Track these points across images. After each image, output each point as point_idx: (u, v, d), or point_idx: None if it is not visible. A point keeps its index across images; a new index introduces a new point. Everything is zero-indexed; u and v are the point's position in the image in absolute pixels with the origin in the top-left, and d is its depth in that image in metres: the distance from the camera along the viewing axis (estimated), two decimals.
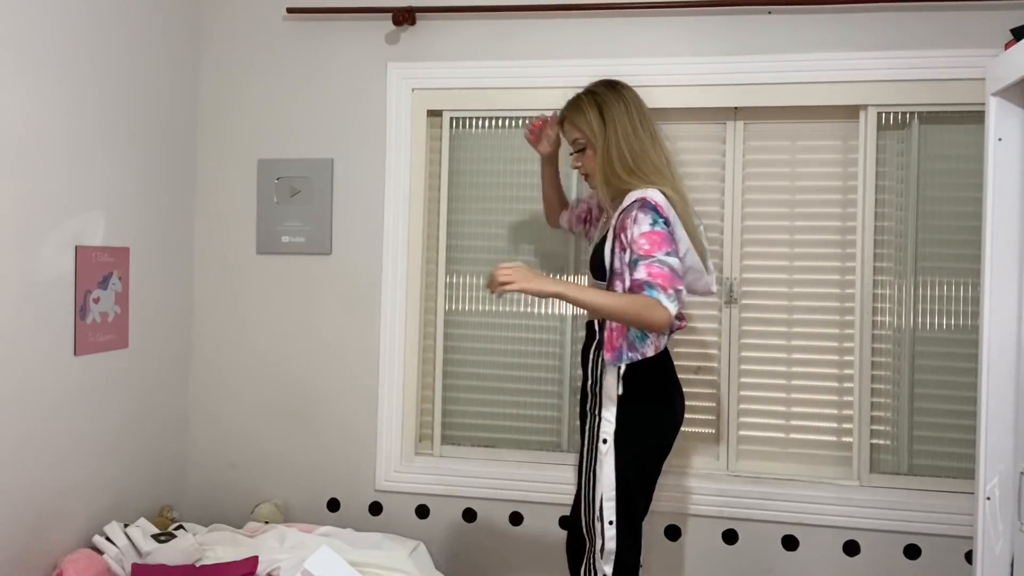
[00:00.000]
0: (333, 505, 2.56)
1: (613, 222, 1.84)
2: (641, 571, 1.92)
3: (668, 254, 1.72)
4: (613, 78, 1.99)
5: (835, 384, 2.37)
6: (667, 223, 1.76)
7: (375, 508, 2.54)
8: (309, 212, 2.55)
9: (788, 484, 2.34)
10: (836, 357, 2.36)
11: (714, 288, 1.98)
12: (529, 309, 2.52)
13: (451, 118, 2.52)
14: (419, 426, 2.57)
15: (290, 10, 2.52)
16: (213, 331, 2.61)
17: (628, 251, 1.75)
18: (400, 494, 2.52)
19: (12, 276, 1.86)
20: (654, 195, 1.77)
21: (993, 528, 1.76)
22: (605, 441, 1.82)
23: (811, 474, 2.36)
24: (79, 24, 2.05)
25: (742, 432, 2.41)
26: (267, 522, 2.41)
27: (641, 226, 1.73)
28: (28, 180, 1.90)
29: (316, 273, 2.56)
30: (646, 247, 1.71)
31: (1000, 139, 1.77)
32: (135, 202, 2.31)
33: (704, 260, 1.92)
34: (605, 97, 1.91)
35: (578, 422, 2.13)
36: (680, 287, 1.72)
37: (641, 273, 1.70)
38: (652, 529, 2.38)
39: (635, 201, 1.77)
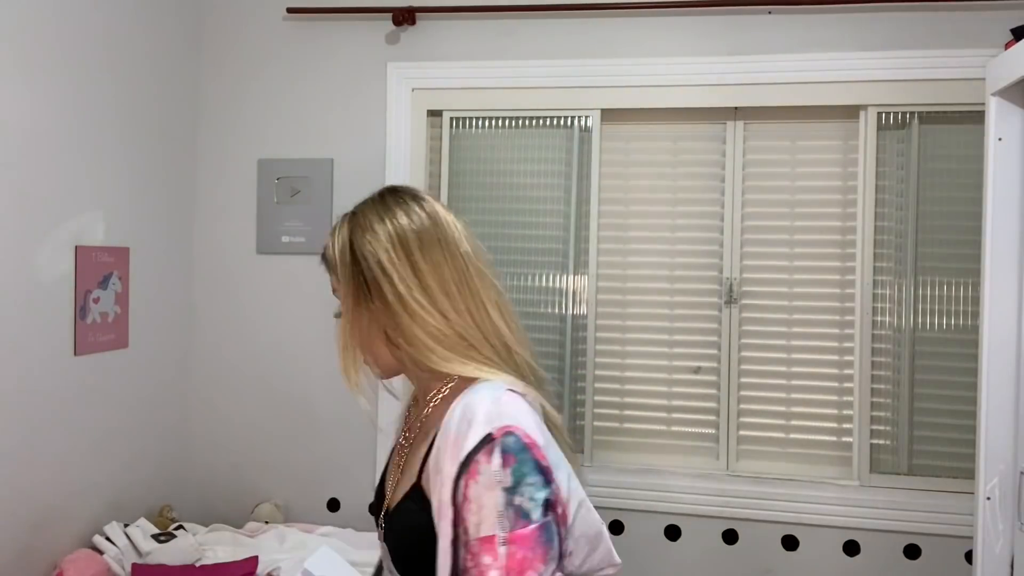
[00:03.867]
0: (333, 505, 2.56)
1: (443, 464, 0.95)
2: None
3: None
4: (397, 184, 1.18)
5: (835, 384, 2.37)
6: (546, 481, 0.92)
7: None
8: (309, 212, 2.55)
9: (788, 484, 2.34)
10: (836, 357, 2.36)
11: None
12: (529, 309, 2.52)
13: (451, 118, 2.52)
14: None
15: (290, 10, 2.53)
16: (213, 331, 2.61)
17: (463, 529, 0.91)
18: None
19: (12, 276, 1.86)
20: (507, 421, 0.94)
21: (993, 528, 1.76)
22: None
23: (811, 474, 2.36)
24: (79, 23, 2.05)
25: (742, 432, 2.41)
26: (267, 522, 2.41)
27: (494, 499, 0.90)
28: (28, 180, 1.90)
29: (316, 273, 2.55)
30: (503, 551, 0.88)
31: (1000, 139, 1.77)
32: (135, 202, 2.30)
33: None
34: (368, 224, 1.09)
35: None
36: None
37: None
38: (652, 529, 2.39)
39: (480, 438, 0.93)
